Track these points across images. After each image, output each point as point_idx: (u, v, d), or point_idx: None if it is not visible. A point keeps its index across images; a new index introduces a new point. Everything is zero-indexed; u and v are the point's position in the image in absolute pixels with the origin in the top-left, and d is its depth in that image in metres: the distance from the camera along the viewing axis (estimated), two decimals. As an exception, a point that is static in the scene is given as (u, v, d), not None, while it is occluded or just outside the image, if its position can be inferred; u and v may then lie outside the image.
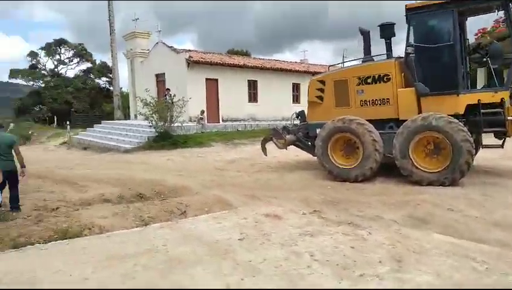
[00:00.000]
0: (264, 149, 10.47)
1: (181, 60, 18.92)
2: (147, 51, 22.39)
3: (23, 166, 6.50)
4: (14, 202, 6.49)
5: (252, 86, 21.82)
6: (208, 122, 18.96)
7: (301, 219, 5.47)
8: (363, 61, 8.99)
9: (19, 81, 40.78)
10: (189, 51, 20.20)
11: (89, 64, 41.24)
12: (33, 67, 39.80)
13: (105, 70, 40.52)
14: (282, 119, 22.13)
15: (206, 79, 19.41)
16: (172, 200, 7.11)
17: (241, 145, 16.01)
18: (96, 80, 41.48)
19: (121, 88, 28.94)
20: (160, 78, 21.14)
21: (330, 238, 4.50)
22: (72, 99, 36.72)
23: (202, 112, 18.68)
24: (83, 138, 20.03)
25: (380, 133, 8.05)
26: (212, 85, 19.72)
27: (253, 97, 21.96)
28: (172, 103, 15.94)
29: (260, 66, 22.10)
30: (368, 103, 8.53)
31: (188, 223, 5.54)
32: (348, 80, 8.75)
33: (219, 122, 19.90)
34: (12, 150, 6.43)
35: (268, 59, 25.35)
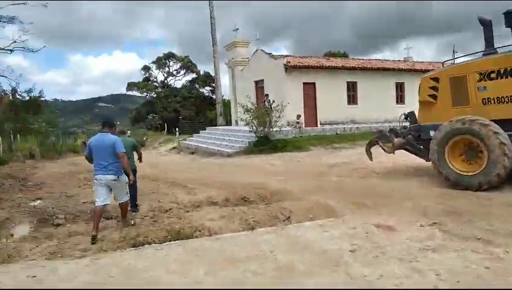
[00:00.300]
0: (368, 153, 9.90)
1: (279, 65, 19.10)
2: (247, 59, 23.13)
3: (140, 156, 7.55)
4: (133, 202, 7.11)
5: (351, 87, 21.04)
6: (305, 126, 18.79)
7: (419, 231, 4.94)
8: (484, 55, 7.93)
9: (135, 93, 45.60)
10: (287, 56, 20.27)
11: (194, 75, 44.32)
12: (146, 80, 44.13)
13: (208, 79, 43.13)
14: (384, 121, 20.98)
15: (304, 83, 19.26)
16: (275, 204, 7.07)
17: (341, 149, 15.50)
18: (201, 89, 44.35)
19: (223, 96, 30.42)
20: (259, 85, 21.64)
21: (457, 255, 3.95)
22: (180, 108, 39.77)
23: (298, 116, 18.56)
24: (190, 143, 21.41)
25: (508, 135, 7.00)
26: (309, 89, 19.50)
27: (352, 99, 21.16)
28: (271, 108, 16.14)
29: (360, 66, 21.22)
30: (492, 101, 7.47)
31: (293, 229, 5.40)
32: (467, 76, 7.79)
33: (317, 126, 19.58)
34: (134, 152, 7.26)
35: (368, 59, 24.23)
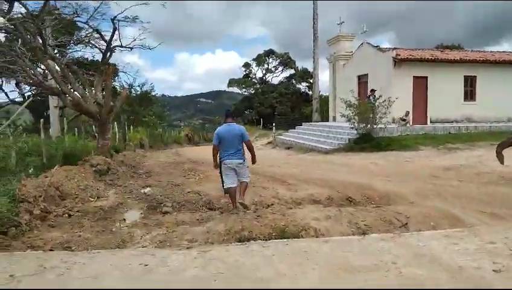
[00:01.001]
0: (500, 156, 8.51)
1: (387, 58, 17.77)
2: (350, 53, 22.11)
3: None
4: None
5: (469, 82, 18.72)
6: (413, 123, 17.24)
7: None
8: None
9: (235, 89, 47.16)
10: (396, 48, 18.76)
11: (291, 71, 44.30)
12: (246, 76, 45.32)
13: (305, 75, 42.72)
14: (507, 120, 18.43)
15: (414, 77, 17.63)
16: (387, 208, 6.38)
17: (456, 150, 13.82)
18: (297, 85, 44.17)
19: (319, 92, 29.66)
20: (362, 80, 20.50)
21: None
22: (276, 104, 40.06)
23: (407, 113, 17.09)
24: (286, 138, 21.25)
25: None
26: (420, 84, 17.80)
27: (469, 95, 18.82)
28: (375, 103, 15.04)
29: (481, 59, 18.75)
30: None
31: (413, 238, 4.70)
32: None
33: (426, 124, 17.83)
34: None
35: (491, 51, 21.33)
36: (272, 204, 6.94)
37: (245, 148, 6.68)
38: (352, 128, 15.00)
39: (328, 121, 25.15)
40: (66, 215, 6.63)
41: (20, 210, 6.06)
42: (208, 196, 7.86)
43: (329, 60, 24.13)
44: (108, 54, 12.20)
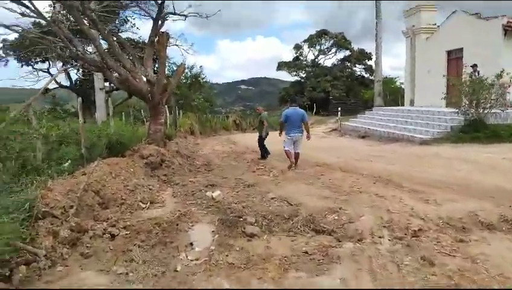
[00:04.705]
0: None
1: (493, 28, 14.19)
2: (434, 25, 18.60)
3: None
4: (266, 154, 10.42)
5: None
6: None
7: None
8: None
9: (281, 74, 44.32)
10: (504, 16, 14.99)
11: (346, 53, 40.70)
12: (296, 59, 42.21)
13: (362, 56, 39.09)
14: None
15: (530, 50, 14.06)
16: None
17: None
18: (353, 68, 40.66)
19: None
20: (453, 56, 16.97)
21: None
22: (330, 88, 36.84)
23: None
24: (358, 125, 18.38)
25: None
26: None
27: None
28: (483, 82, 11.77)
29: None
30: None
31: None
32: None
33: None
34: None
35: None
36: (420, 229, 4.36)
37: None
38: (456, 113, 11.87)
39: (399, 105, 21.93)
40: (108, 235, 4.47)
41: (39, 232, 3.95)
42: (302, 206, 5.44)
43: (405, 34, 20.64)
44: (160, 21, 10.00)
